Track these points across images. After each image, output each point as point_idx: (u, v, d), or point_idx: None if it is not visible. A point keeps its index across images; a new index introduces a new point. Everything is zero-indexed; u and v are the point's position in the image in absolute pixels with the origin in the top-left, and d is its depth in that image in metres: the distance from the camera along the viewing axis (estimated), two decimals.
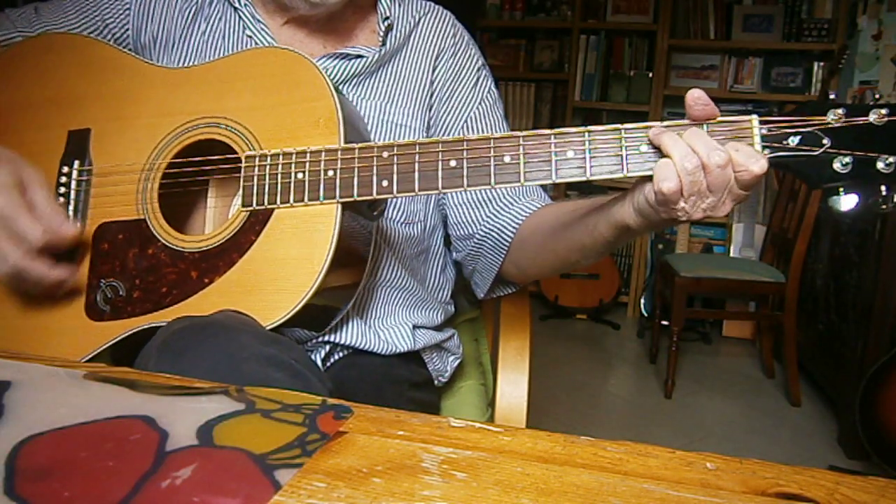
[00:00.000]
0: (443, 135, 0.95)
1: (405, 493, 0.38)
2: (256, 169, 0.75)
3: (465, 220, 0.95)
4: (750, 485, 0.41)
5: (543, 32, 3.91)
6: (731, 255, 3.40)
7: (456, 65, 0.97)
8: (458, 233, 0.97)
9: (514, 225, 0.91)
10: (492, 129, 0.98)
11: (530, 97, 3.89)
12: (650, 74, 3.66)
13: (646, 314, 3.42)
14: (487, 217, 0.93)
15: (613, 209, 0.71)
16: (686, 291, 2.65)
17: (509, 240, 0.91)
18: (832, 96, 0.69)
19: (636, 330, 3.46)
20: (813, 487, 0.40)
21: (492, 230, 0.92)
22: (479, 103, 0.98)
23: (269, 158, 0.75)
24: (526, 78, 3.88)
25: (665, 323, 2.94)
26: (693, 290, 2.75)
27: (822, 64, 3.42)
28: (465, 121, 0.97)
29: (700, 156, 0.61)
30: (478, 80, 0.99)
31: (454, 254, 1.01)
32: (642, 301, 3.49)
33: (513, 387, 0.97)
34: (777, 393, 2.75)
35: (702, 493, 0.39)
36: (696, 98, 0.64)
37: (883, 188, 0.63)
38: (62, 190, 0.81)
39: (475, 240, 0.95)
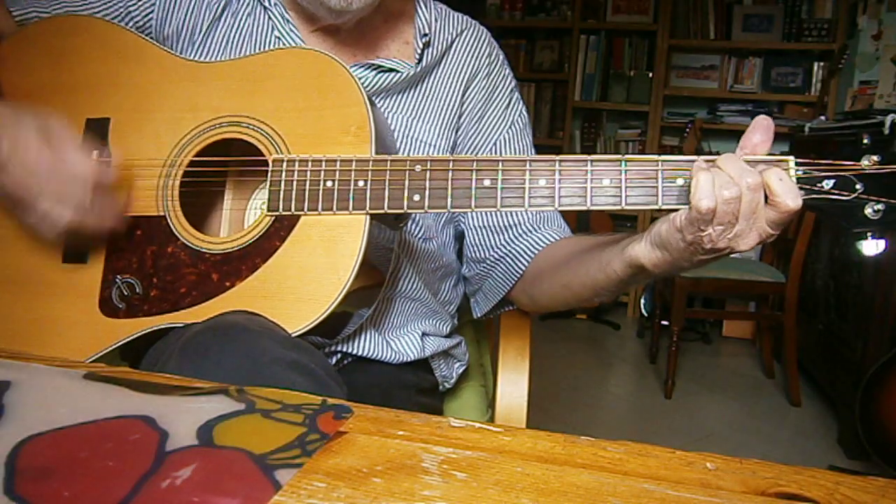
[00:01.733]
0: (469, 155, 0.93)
1: (405, 493, 0.38)
2: (284, 174, 0.73)
3: (480, 243, 0.94)
4: (750, 485, 0.41)
5: (543, 32, 3.91)
6: (731, 255, 3.39)
7: (489, 85, 0.95)
8: (471, 254, 0.96)
9: (530, 253, 0.90)
10: (520, 154, 0.96)
11: (530, 97, 3.88)
12: (650, 74, 3.66)
13: (646, 314, 3.41)
14: (503, 243, 0.92)
15: (628, 246, 0.70)
16: (686, 291, 2.65)
17: (523, 267, 0.90)
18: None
19: (636, 330, 3.46)
20: (813, 487, 0.40)
21: (505, 255, 0.91)
22: (510, 127, 0.96)
23: (297, 164, 0.72)
24: (526, 78, 3.88)
25: (665, 323, 2.94)
26: (693, 290, 2.75)
27: (822, 64, 3.42)
28: (494, 143, 0.95)
29: (732, 177, 0.61)
30: (510, 102, 0.97)
31: (464, 268, 0.99)
32: (642, 301, 3.49)
33: (513, 387, 0.96)
34: (777, 393, 2.75)
35: (702, 493, 0.39)
36: (766, 127, 0.64)
37: None
38: None
39: (486, 264, 0.94)
